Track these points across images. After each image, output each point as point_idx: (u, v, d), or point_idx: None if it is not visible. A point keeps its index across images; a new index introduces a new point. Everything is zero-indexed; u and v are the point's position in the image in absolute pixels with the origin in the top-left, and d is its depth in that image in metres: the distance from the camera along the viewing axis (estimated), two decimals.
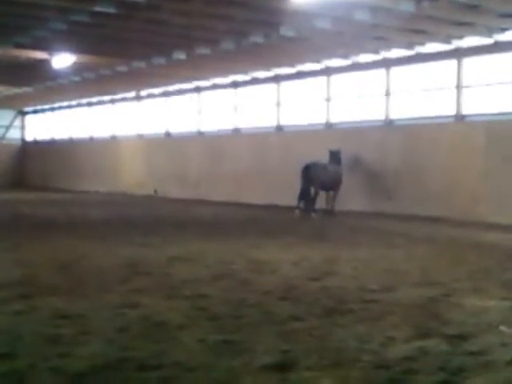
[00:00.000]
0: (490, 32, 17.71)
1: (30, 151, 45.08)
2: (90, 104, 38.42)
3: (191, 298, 7.96)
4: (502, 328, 6.72)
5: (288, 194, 22.01)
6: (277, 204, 24.00)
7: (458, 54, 19.64)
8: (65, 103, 40.25)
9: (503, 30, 17.53)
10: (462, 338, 6.32)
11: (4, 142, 44.82)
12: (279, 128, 26.21)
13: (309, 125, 24.93)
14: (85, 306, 7.47)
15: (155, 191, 31.72)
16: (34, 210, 22.92)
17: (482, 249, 13.22)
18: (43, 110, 43.46)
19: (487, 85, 19.26)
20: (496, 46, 18.60)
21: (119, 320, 6.87)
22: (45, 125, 43.75)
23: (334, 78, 23.89)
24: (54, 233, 15.37)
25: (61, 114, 41.77)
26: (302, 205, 20.65)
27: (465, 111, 19.75)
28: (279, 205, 23.70)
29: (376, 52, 21.10)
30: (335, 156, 21.17)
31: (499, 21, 16.38)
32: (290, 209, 21.17)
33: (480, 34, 17.89)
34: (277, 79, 26.08)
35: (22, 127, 45.94)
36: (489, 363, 5.60)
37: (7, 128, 45.00)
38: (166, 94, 32.41)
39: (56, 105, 41.28)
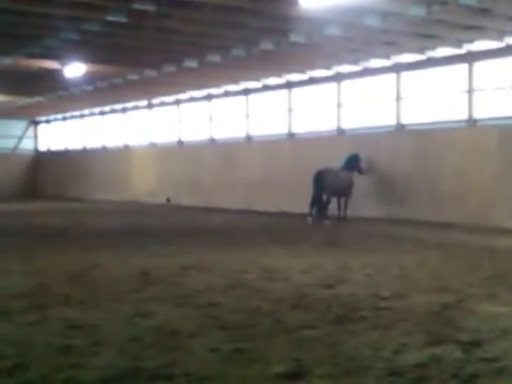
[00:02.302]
0: (500, 35, 17.65)
1: (42, 161, 45.26)
2: (102, 113, 38.56)
3: (204, 307, 7.96)
4: None
5: (300, 201, 21.99)
6: (289, 211, 23.97)
7: (469, 58, 19.57)
8: (77, 112, 40.41)
9: None
10: (476, 344, 6.28)
11: (17, 152, 45.01)
12: (291, 135, 26.20)
13: (320, 131, 24.90)
14: (97, 316, 7.48)
15: (168, 199, 31.77)
16: (47, 219, 23.01)
17: (495, 254, 13.15)
18: (56, 120, 43.64)
19: (499, 88, 19.18)
20: (507, 50, 18.53)
21: (132, 329, 6.89)
22: (57, 134, 43.91)
23: (345, 83, 23.87)
24: (67, 242, 15.43)
25: (73, 123, 41.94)
26: (314, 212, 20.62)
27: (477, 115, 19.67)
28: (291, 212, 23.67)
29: (386, 57, 21.07)
30: (353, 160, 21.12)
31: (510, 24, 16.31)
32: (302, 216, 21.14)
33: (491, 37, 17.83)
34: (288, 86, 26.09)
35: (35, 137, 46.12)
36: (502, 370, 5.57)
37: (20, 138, 45.19)
38: (177, 102, 32.49)
39: (68, 114, 41.44)
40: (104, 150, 38.49)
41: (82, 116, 40.58)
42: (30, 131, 45.85)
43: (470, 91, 19.71)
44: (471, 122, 19.81)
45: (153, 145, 34.32)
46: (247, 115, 28.27)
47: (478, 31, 17.18)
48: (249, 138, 28.24)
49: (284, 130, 26.45)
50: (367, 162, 21.61)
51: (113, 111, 37.46)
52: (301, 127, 25.86)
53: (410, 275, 10.47)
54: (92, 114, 39.52)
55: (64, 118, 42.58)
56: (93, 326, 7.01)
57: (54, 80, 24.41)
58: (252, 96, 28.06)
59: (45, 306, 8.02)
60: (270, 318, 7.39)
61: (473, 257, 12.80)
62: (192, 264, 11.57)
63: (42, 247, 14.39)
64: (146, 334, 6.71)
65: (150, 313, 7.60)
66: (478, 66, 19.58)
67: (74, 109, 38.81)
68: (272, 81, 26.31)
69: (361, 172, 21.33)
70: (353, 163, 21.16)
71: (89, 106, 37.35)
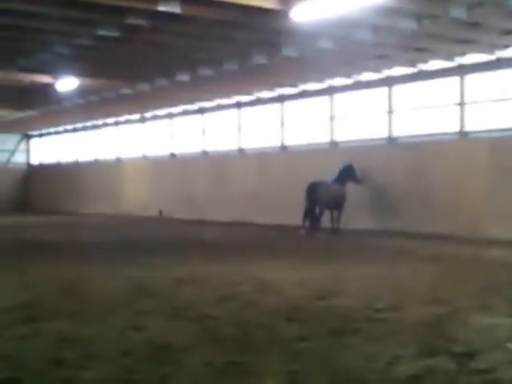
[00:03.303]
0: (491, 49, 17.75)
1: (35, 175, 45.19)
2: (94, 126, 38.57)
3: (197, 320, 7.92)
4: (510, 345, 6.68)
5: (293, 214, 21.98)
6: (282, 224, 23.95)
7: (461, 71, 19.67)
8: (69, 126, 40.41)
9: (505, 46, 17.56)
10: (469, 355, 6.27)
11: (9, 166, 44.94)
12: (283, 148, 26.24)
13: (313, 144, 24.95)
14: (89, 329, 7.44)
15: (160, 212, 31.73)
16: (39, 233, 22.92)
17: (488, 265, 13.17)
18: (48, 134, 43.62)
19: (490, 101, 19.26)
20: (498, 63, 18.63)
21: (124, 343, 6.85)
22: (50, 148, 43.89)
23: (337, 96, 23.94)
24: (59, 256, 15.36)
25: (66, 137, 41.92)
26: (307, 224, 20.63)
27: (468, 128, 19.75)
28: (285, 224, 23.65)
29: (378, 71, 21.16)
30: (347, 171, 21.12)
31: (501, 37, 16.41)
32: (295, 228, 21.14)
33: (482, 50, 17.93)
34: (280, 99, 26.16)
35: (27, 151, 46.07)
36: (496, 381, 5.56)
37: (12, 152, 45.14)
38: (170, 116, 32.53)
39: (61, 128, 41.44)
40: (97, 163, 38.46)
41: (74, 130, 40.58)
42: (23, 145, 45.81)
43: (462, 104, 19.80)
44: (463, 134, 19.89)
45: (145, 158, 34.33)
46: (239, 128, 28.31)
47: (469, 44, 17.28)
48: (242, 151, 28.26)
49: (277, 143, 26.49)
50: (362, 172, 21.57)
51: (105, 125, 37.47)
52: (294, 140, 25.90)
53: (403, 287, 10.47)
54: (85, 128, 39.52)
55: (56, 132, 42.57)
56: (85, 339, 6.96)
57: (46, 94, 24.42)
58: (244, 109, 28.12)
59: (37, 319, 7.97)
60: (264, 331, 7.36)
61: (466, 268, 12.82)
62: (185, 277, 11.54)
63: (34, 261, 14.31)
64: (139, 347, 6.67)
65: (143, 326, 7.56)
66: (470, 78, 19.67)
67: (67, 122, 38.81)
68: (264, 94, 26.37)
69: (358, 181, 21.28)
70: (347, 174, 21.16)
71: (81, 120, 37.35)
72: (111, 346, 6.70)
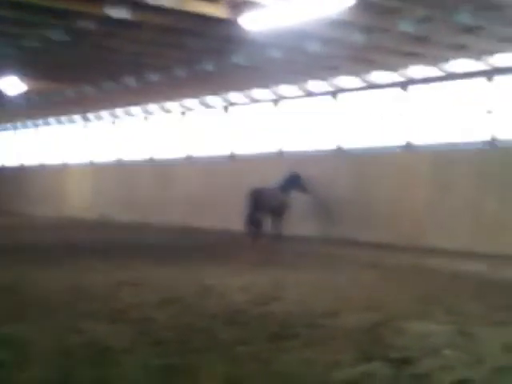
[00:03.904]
0: (438, 62, 18.10)
1: None
2: (39, 130, 38.05)
3: (137, 323, 7.90)
4: (446, 352, 6.82)
5: (237, 220, 22.03)
6: (226, 229, 23.94)
7: (405, 83, 20.01)
8: (14, 129, 39.80)
9: (451, 60, 17.90)
10: (406, 361, 6.38)
11: None
12: (231, 155, 26.29)
13: (260, 152, 25.05)
14: (27, 331, 7.35)
15: (103, 215, 31.40)
16: None
17: (426, 274, 13.38)
18: None
19: (434, 114, 19.63)
20: (444, 77, 18.99)
21: (62, 345, 6.79)
22: None
23: (285, 106, 24.09)
24: None
25: (10, 139, 41.24)
26: (249, 230, 20.69)
27: (412, 141, 20.09)
28: (228, 229, 23.64)
29: (326, 80, 21.37)
30: (293, 179, 21.24)
31: (447, 52, 16.75)
32: (238, 234, 21.20)
33: (428, 64, 18.27)
34: (228, 107, 26.21)
35: None
36: None
37: None
38: (115, 120, 32.29)
39: (6, 131, 40.78)
40: (41, 166, 37.94)
41: (19, 132, 39.95)
42: None
43: (406, 116, 20.13)
44: (406, 147, 20.22)
45: (90, 162, 34.02)
46: (186, 134, 28.27)
47: (416, 58, 17.60)
48: (188, 158, 28.20)
49: (224, 150, 26.51)
50: (308, 182, 21.65)
51: (49, 128, 37.00)
52: (240, 148, 25.96)
53: (342, 293, 10.58)
54: (29, 131, 38.93)
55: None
56: (23, 341, 6.88)
57: None
58: (192, 115, 28.10)
59: None
60: (203, 335, 7.38)
61: (404, 276, 13.02)
62: (126, 280, 11.47)
63: None
64: (78, 349, 6.62)
65: (82, 328, 7.51)
66: (414, 91, 20.02)
67: (12, 125, 38.23)
68: (212, 100, 26.37)
69: (304, 191, 21.37)
70: (292, 183, 21.27)
71: (25, 123, 36.83)
72: (49, 348, 6.64)
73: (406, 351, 6.80)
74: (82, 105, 28.06)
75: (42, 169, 37.74)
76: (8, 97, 23.49)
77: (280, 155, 24.20)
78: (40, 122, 36.39)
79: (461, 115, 18.96)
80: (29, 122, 37.05)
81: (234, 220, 22.84)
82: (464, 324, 8.19)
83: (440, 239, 18.35)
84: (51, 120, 35.40)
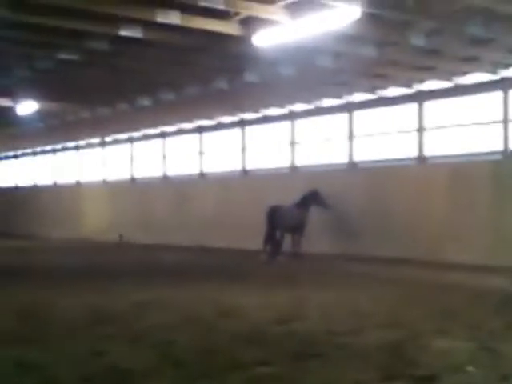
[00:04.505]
0: (450, 75, 18.07)
1: None
2: (54, 150, 38.26)
3: (157, 345, 7.87)
4: (469, 369, 6.74)
5: (254, 238, 21.97)
6: (244, 248, 23.90)
7: (419, 97, 19.96)
8: (29, 150, 40.04)
9: (464, 73, 17.87)
10: (429, 379, 6.33)
11: None
12: (245, 172, 26.30)
13: (274, 169, 25.05)
14: (48, 355, 7.34)
15: (120, 237, 31.47)
16: None
17: (448, 289, 13.27)
18: (7, 157, 43.17)
19: (449, 127, 19.55)
20: (457, 89, 18.94)
21: (83, 369, 6.76)
22: (8, 171, 43.40)
23: (298, 122, 24.11)
24: (16, 281, 15.11)
25: (25, 160, 41.52)
26: (267, 248, 20.65)
27: (427, 153, 20.02)
28: (246, 249, 23.60)
29: (339, 96, 21.38)
30: (312, 196, 21.13)
31: (460, 64, 16.71)
32: (256, 253, 21.14)
33: (441, 77, 18.24)
34: (242, 124, 26.25)
35: None
36: None
37: None
38: (130, 140, 32.42)
39: (20, 151, 41.04)
40: (56, 187, 38.11)
41: (34, 153, 40.22)
42: None
43: (420, 130, 20.07)
44: (421, 159, 20.14)
45: (105, 182, 34.12)
46: (201, 153, 28.33)
47: (429, 71, 17.57)
48: (203, 176, 28.25)
49: (238, 168, 26.53)
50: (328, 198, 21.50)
51: (65, 149, 37.21)
52: (255, 165, 25.98)
53: (363, 311, 10.51)
54: (44, 152, 39.18)
55: (16, 156, 42.16)
56: (44, 366, 6.87)
57: (5, 117, 24.18)
58: (206, 134, 28.16)
59: None
60: (225, 355, 7.34)
61: (424, 292, 12.93)
62: (145, 301, 11.46)
63: None
64: (99, 372, 6.60)
65: (103, 351, 7.49)
66: (428, 105, 19.97)
67: (26, 146, 38.47)
68: (226, 119, 26.46)
69: (325, 206, 21.23)
70: (310, 199, 21.15)
71: (41, 144, 37.04)
72: (71, 373, 6.62)
73: (429, 368, 6.73)
74: (97, 126, 28.16)
75: (56, 190, 37.87)
76: (22, 118, 23.62)
77: (294, 171, 24.18)
78: (55, 143, 36.54)
79: (476, 127, 18.88)
80: (44, 144, 37.20)
81: (251, 239, 22.78)
82: (487, 340, 8.10)
83: (458, 253, 18.19)
84: (67, 141, 35.56)
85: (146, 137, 31.33)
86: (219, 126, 27.29)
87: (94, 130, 30.32)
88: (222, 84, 18.49)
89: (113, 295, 12.38)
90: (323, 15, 11.76)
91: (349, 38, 14.05)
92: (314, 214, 21.43)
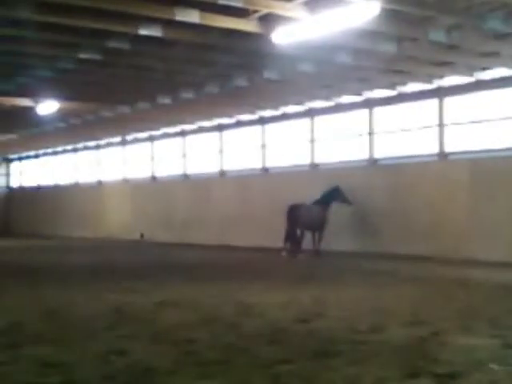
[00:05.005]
0: (470, 71, 17.95)
1: (15, 198, 44.92)
2: (75, 150, 38.47)
3: (179, 343, 7.88)
4: (492, 366, 6.70)
5: (275, 236, 21.98)
6: (264, 246, 23.93)
7: (440, 93, 19.85)
8: (50, 149, 40.28)
9: (484, 68, 17.76)
10: (452, 376, 6.28)
11: None
12: (265, 170, 26.31)
13: (294, 166, 25.03)
14: (71, 354, 7.37)
15: (142, 235, 31.61)
16: (20, 257, 22.76)
17: (470, 286, 13.22)
18: (28, 157, 43.46)
19: (469, 123, 19.42)
20: (477, 85, 18.82)
21: (106, 367, 6.79)
22: (30, 171, 43.71)
23: (318, 119, 24.07)
24: (40, 280, 15.23)
25: (46, 160, 41.78)
26: (288, 246, 20.63)
27: (448, 149, 19.91)
28: (266, 247, 23.63)
29: (358, 93, 21.32)
30: (333, 193, 21.07)
31: (479, 59, 16.60)
32: (276, 251, 21.14)
33: (461, 72, 18.12)
34: (261, 121, 26.25)
35: (7, 174, 45.83)
36: None
37: None
38: (151, 139, 32.53)
39: (41, 151, 41.29)
40: (77, 186, 38.32)
41: (55, 153, 40.45)
42: (3, 169, 45.57)
43: (441, 125, 19.96)
44: (442, 155, 20.03)
45: (126, 181, 34.26)
46: (221, 151, 28.37)
47: (449, 66, 17.47)
48: (223, 173, 28.29)
49: (258, 165, 26.55)
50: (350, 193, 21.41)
51: (86, 148, 37.40)
52: (275, 162, 25.97)
53: (385, 308, 10.47)
54: (65, 151, 39.41)
55: (37, 155, 42.42)
56: (67, 365, 6.90)
57: (27, 117, 24.34)
58: (226, 132, 28.20)
59: (18, 344, 7.89)
60: (246, 354, 7.33)
61: (447, 289, 12.86)
62: (167, 300, 11.48)
63: (15, 285, 14.20)
64: (121, 372, 6.62)
65: (125, 350, 7.51)
66: (449, 100, 19.85)
67: (48, 146, 38.69)
68: (245, 117, 26.47)
69: (347, 202, 21.14)
70: (332, 196, 21.08)
71: (62, 143, 37.24)
72: (93, 371, 6.65)
73: (452, 366, 6.68)
74: (118, 125, 28.27)
75: (78, 189, 38.08)
76: (44, 118, 23.75)
77: (314, 168, 24.14)
78: (76, 142, 36.73)
79: (497, 122, 18.74)
80: (65, 143, 37.41)
81: (271, 237, 22.79)
82: (509, 337, 8.04)
83: (481, 250, 18.09)
84: (88, 141, 35.74)
85: (167, 135, 31.43)
86: (239, 124, 27.32)
87: (114, 129, 30.44)
88: (241, 82, 18.50)
89: (134, 294, 12.42)
90: (342, 11, 11.73)
91: (368, 35, 14.00)
92: (335, 211, 21.38)
